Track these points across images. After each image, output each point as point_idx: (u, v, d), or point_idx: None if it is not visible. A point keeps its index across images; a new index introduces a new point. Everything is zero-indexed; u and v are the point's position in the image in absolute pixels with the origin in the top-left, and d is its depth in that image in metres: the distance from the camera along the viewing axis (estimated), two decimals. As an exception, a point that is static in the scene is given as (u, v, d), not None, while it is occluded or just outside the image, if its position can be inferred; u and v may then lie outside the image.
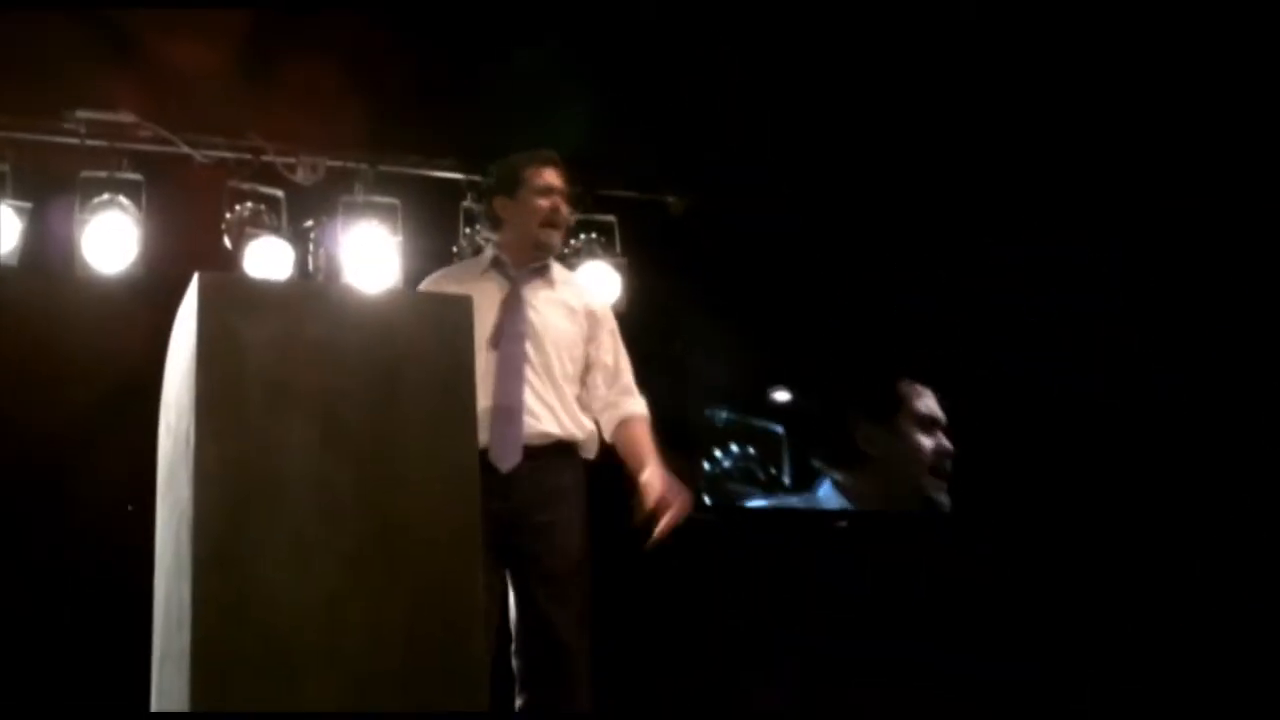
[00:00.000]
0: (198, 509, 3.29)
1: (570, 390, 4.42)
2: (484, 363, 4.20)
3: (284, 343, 3.47)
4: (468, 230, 6.30)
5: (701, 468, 6.83)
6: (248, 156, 6.04)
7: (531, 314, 4.41)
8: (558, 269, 4.66)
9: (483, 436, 4.13)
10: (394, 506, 3.44)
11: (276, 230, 5.96)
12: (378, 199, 6.16)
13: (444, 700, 3.30)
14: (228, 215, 5.98)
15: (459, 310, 3.74)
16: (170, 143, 5.92)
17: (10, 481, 5.72)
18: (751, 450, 7.00)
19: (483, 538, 3.82)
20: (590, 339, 4.51)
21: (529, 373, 4.31)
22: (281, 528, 3.35)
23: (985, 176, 6.67)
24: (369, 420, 3.49)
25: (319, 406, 3.46)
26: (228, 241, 5.95)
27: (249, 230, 5.91)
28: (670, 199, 6.78)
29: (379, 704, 3.24)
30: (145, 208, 5.83)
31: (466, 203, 6.31)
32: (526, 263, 4.53)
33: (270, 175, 6.05)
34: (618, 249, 6.49)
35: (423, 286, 4.71)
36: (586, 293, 4.69)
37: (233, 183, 6.01)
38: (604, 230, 6.51)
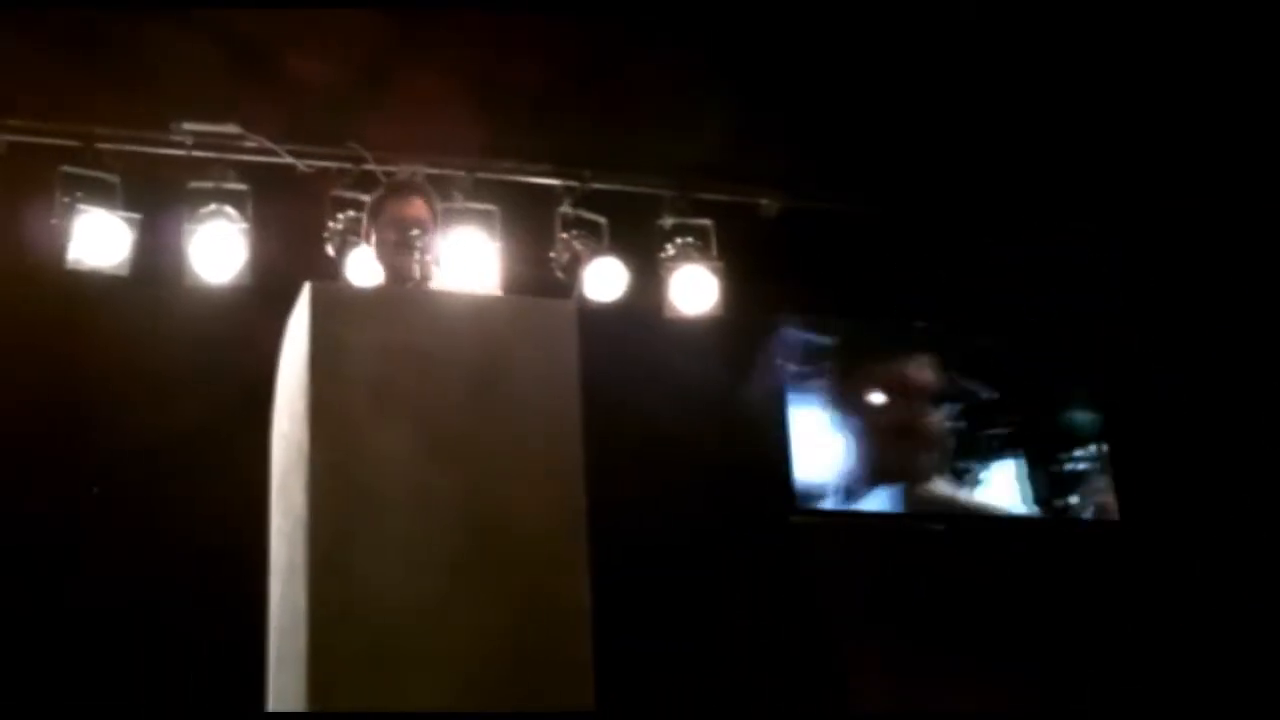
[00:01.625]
0: (310, 515, 3.37)
1: None
2: None
3: (390, 350, 3.54)
4: (564, 235, 6.35)
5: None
6: (349, 165, 6.13)
7: None
8: None
9: None
10: (498, 511, 3.49)
11: (378, 238, 6.03)
12: (476, 205, 6.21)
13: (550, 700, 3.34)
14: (330, 224, 6.07)
15: (560, 315, 3.79)
16: (274, 153, 6.02)
17: (124, 488, 5.82)
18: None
19: None
20: None
21: None
22: (389, 533, 3.41)
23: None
24: (472, 425, 3.55)
25: (424, 412, 3.52)
26: (330, 250, 6.04)
27: (351, 238, 6.00)
28: (763, 201, 6.76)
29: (487, 704, 3.28)
30: (251, 217, 5.93)
31: (563, 208, 6.35)
32: None
33: (371, 183, 6.12)
34: (713, 253, 6.47)
35: None
36: None
37: (335, 191, 6.10)
38: (699, 234, 6.50)
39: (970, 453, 7.10)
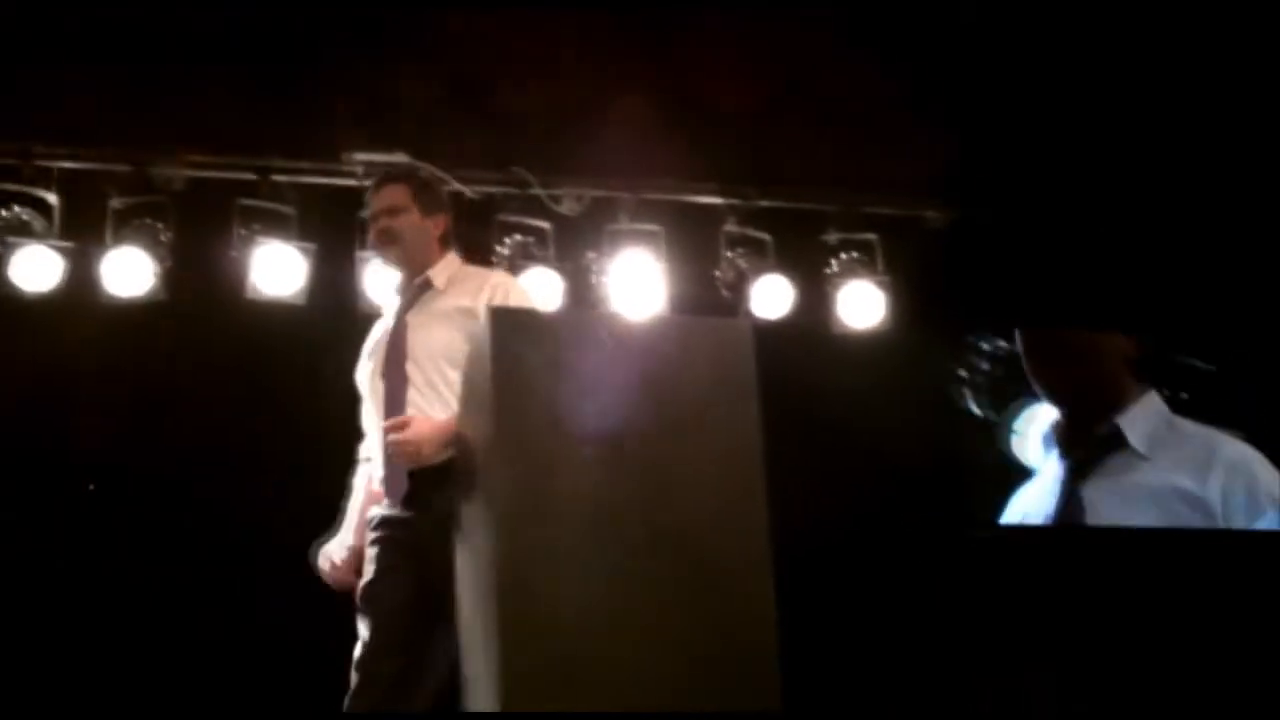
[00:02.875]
0: (495, 534, 3.41)
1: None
2: (372, 399, 4.14)
3: (569, 370, 3.58)
4: (728, 254, 6.36)
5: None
6: (515, 191, 6.20)
7: (411, 334, 4.18)
8: (450, 275, 4.34)
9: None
10: (681, 527, 3.50)
11: (545, 261, 6.10)
12: (641, 226, 6.24)
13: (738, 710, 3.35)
14: (498, 248, 6.15)
15: (734, 333, 3.79)
16: (442, 180, 6.11)
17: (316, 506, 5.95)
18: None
19: (388, 564, 3.84)
20: None
21: (414, 395, 4.06)
22: (571, 550, 3.44)
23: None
24: (651, 444, 3.56)
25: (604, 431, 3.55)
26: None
27: (519, 262, 6.07)
28: (930, 213, 6.69)
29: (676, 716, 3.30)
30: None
31: (728, 226, 6.36)
32: (407, 285, 4.35)
33: (538, 208, 6.20)
34: (879, 267, 6.43)
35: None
36: (472, 287, 4.30)
37: (502, 216, 6.18)
38: (865, 249, 6.46)
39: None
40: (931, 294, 6.59)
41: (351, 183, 6.08)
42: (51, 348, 5.95)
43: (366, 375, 4.17)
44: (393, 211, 4.26)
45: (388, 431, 3.83)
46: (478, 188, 6.20)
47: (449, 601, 3.78)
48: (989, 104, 6.11)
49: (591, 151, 6.06)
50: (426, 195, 4.36)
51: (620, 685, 3.35)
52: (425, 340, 4.09)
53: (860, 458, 6.51)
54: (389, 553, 3.89)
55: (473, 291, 4.20)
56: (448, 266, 4.31)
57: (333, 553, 4.06)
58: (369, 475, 4.22)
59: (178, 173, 5.98)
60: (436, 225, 4.34)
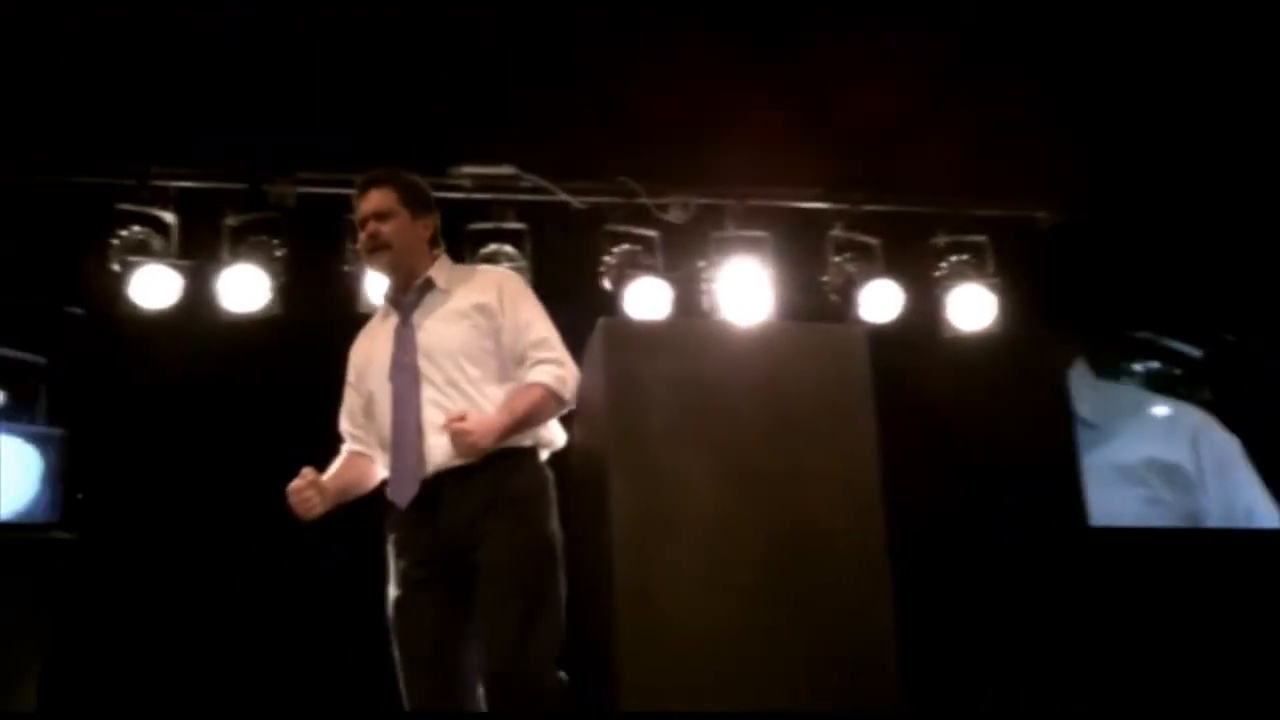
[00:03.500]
0: (612, 545, 3.44)
1: (492, 393, 3.96)
2: (386, 402, 4.01)
3: (683, 381, 3.60)
4: (835, 259, 6.33)
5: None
6: (621, 200, 6.22)
7: (421, 335, 4.05)
8: (449, 275, 4.21)
9: (385, 475, 4.01)
10: (799, 538, 3.52)
11: (653, 270, 6.12)
12: (748, 233, 6.24)
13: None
14: (606, 258, 6.18)
15: (849, 340, 3.79)
16: (549, 191, 6.15)
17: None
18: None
19: (428, 586, 3.81)
20: (499, 328, 4.05)
21: (433, 393, 3.94)
22: (689, 561, 3.47)
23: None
24: (767, 452, 3.58)
25: (719, 441, 3.57)
26: (607, 283, 6.14)
27: (627, 271, 6.09)
28: (1039, 214, 6.62)
29: (796, 727, 3.32)
30: (530, 255, 6.06)
31: (835, 231, 6.33)
32: (406, 288, 4.18)
33: (644, 217, 6.21)
34: (990, 270, 6.37)
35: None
36: (478, 286, 4.18)
37: (609, 226, 6.20)
38: (975, 251, 6.40)
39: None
40: (1042, 295, 6.53)
41: (459, 195, 6.13)
42: (171, 364, 6.07)
43: (370, 378, 4.07)
44: (381, 216, 4.12)
45: (449, 424, 3.78)
46: (585, 198, 6.23)
47: (481, 602, 3.75)
48: (1105, 109, 6.05)
49: (711, 161, 6.06)
50: (414, 197, 4.23)
51: (740, 692, 3.37)
52: (440, 340, 4.00)
53: (973, 461, 6.46)
54: (412, 565, 3.85)
55: (481, 288, 4.13)
56: (443, 267, 4.21)
57: (308, 472, 4.00)
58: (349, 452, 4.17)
59: (290, 190, 6.06)
60: (426, 227, 4.22)
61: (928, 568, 5.30)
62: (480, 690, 3.76)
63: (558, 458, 3.98)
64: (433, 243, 4.24)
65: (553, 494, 3.88)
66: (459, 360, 3.96)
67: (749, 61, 5.66)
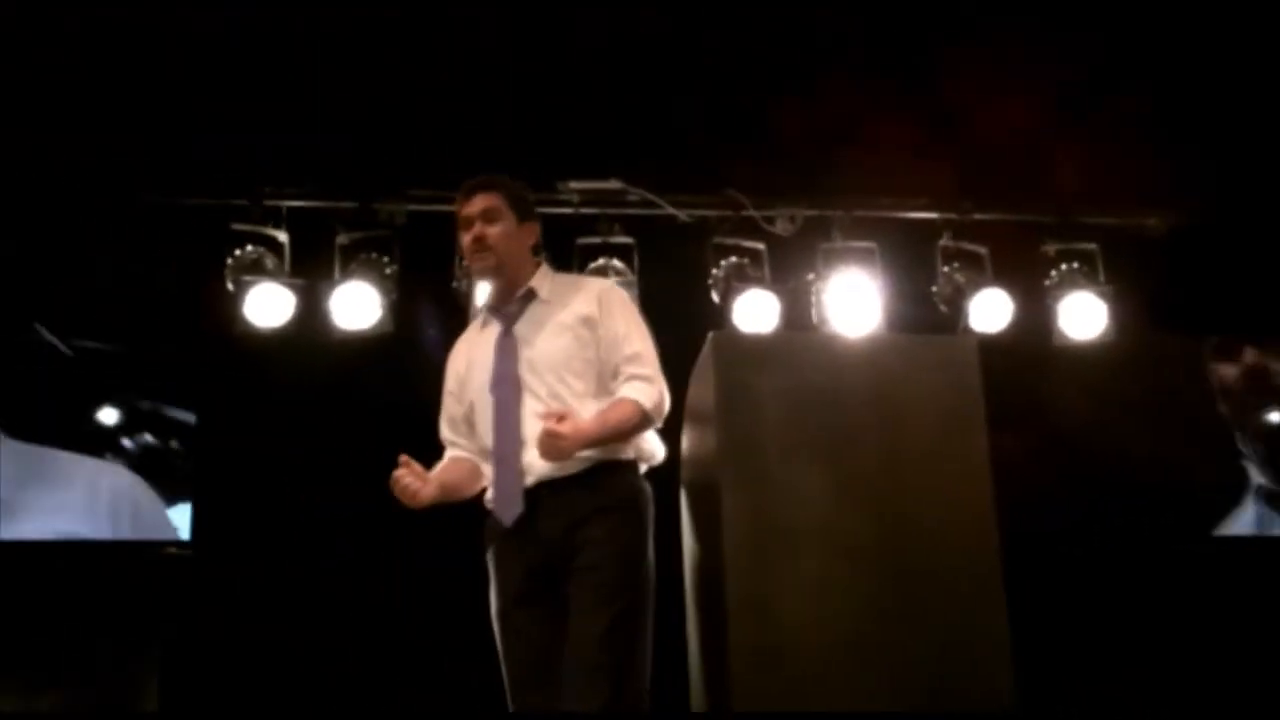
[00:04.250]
0: (726, 558, 3.44)
1: (592, 407, 3.93)
2: (488, 413, 3.98)
3: (795, 394, 3.60)
4: (945, 269, 6.29)
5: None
6: (729, 213, 6.23)
7: (524, 347, 4.02)
8: (552, 285, 4.17)
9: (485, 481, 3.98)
10: (912, 550, 3.50)
11: (761, 282, 6.12)
12: (855, 244, 6.22)
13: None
14: (714, 271, 6.19)
15: (961, 351, 3.77)
16: (656, 205, 6.17)
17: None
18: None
19: (530, 600, 3.78)
20: (599, 339, 4.02)
21: (536, 406, 3.91)
22: (803, 574, 3.46)
23: None
24: (880, 464, 3.57)
25: (831, 453, 3.56)
26: (715, 296, 6.15)
27: (735, 284, 6.09)
28: (1151, 221, 6.54)
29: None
30: (638, 269, 6.09)
31: (943, 241, 6.30)
32: (509, 298, 4.14)
33: (751, 229, 6.22)
34: (1101, 277, 6.30)
35: (448, 361, 4.31)
36: (580, 297, 4.13)
37: (716, 239, 6.21)
38: (1085, 259, 6.34)
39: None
40: (1155, 303, 6.44)
41: (567, 210, 6.17)
42: (286, 381, 6.17)
43: (471, 388, 4.05)
44: (488, 218, 4.08)
45: (546, 418, 3.77)
46: (691, 211, 6.25)
47: (573, 602, 3.74)
48: (1217, 117, 5.97)
49: (825, 174, 6.06)
50: (519, 203, 4.16)
51: (852, 703, 3.36)
52: (544, 352, 3.98)
53: (1086, 470, 6.40)
54: (512, 578, 3.83)
55: (585, 299, 4.08)
56: (545, 276, 4.17)
57: (406, 459, 3.97)
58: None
59: (400, 207, 6.14)
60: (530, 234, 4.17)
61: (1041, 577, 5.25)
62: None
63: (662, 471, 3.99)
64: (535, 250, 4.22)
65: (651, 508, 3.88)
66: (562, 373, 3.95)
67: (863, 76, 5.64)
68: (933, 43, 5.65)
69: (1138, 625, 6.27)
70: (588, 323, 4.02)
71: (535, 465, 3.83)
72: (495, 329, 4.11)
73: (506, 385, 3.98)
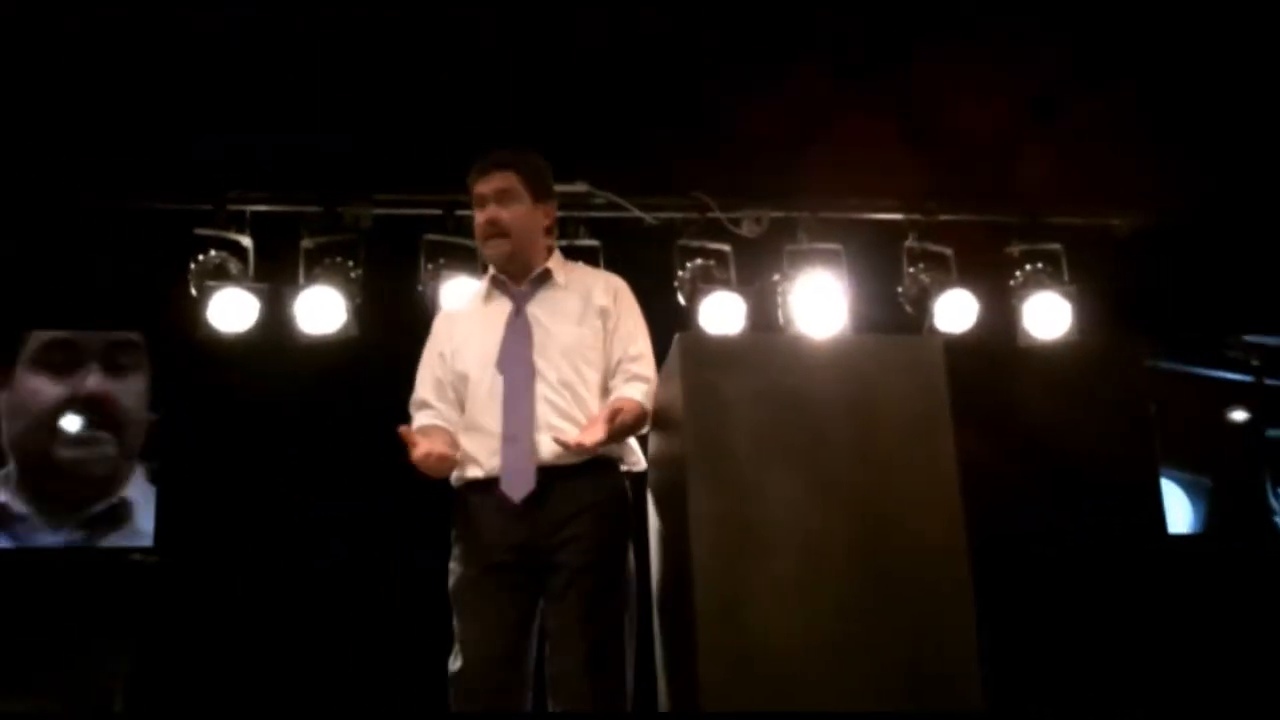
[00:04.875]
0: (694, 560, 3.43)
1: (597, 396, 3.95)
2: (489, 388, 3.90)
3: (762, 395, 3.58)
4: (910, 270, 6.30)
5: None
6: (695, 215, 6.22)
7: (538, 330, 3.95)
8: (566, 271, 4.13)
9: (494, 465, 3.85)
10: (881, 551, 3.49)
11: (727, 284, 6.12)
12: (821, 245, 6.22)
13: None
14: (680, 273, 6.18)
15: (927, 351, 3.76)
16: (622, 208, 6.16)
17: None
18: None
19: (505, 571, 3.78)
20: (609, 333, 4.01)
21: (546, 390, 3.87)
22: (771, 575, 3.44)
23: None
24: (848, 465, 3.56)
25: (800, 454, 3.55)
26: (681, 298, 6.15)
27: (701, 286, 6.09)
28: (1115, 221, 6.57)
29: (882, 746, 3.29)
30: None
31: (908, 242, 6.30)
32: (521, 278, 4.06)
33: (717, 231, 6.21)
34: (1065, 277, 6.32)
35: (435, 324, 4.24)
36: (596, 286, 4.10)
37: (682, 241, 6.20)
38: (1050, 259, 6.35)
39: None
40: (1119, 303, 6.47)
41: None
42: (250, 386, 6.13)
43: (468, 359, 3.97)
44: (503, 198, 3.98)
45: (576, 444, 3.72)
46: (657, 213, 6.24)
47: (557, 598, 3.75)
48: (1187, 118, 6.00)
49: (790, 175, 6.05)
50: (538, 182, 4.05)
51: (820, 703, 3.35)
52: (558, 337, 3.94)
53: (1050, 469, 6.42)
54: (493, 548, 3.78)
55: (602, 292, 4.05)
56: (559, 260, 4.12)
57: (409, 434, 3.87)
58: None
59: (366, 211, 6.11)
60: (546, 215, 4.08)
61: (1008, 576, 5.26)
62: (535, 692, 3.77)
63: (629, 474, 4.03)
64: (549, 233, 4.12)
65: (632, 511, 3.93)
66: (576, 361, 3.93)
67: (828, 78, 5.64)
68: (898, 45, 5.66)
69: (1106, 624, 6.29)
70: (604, 314, 4.01)
71: (541, 450, 3.82)
72: (503, 305, 4.04)
73: (519, 367, 3.90)
